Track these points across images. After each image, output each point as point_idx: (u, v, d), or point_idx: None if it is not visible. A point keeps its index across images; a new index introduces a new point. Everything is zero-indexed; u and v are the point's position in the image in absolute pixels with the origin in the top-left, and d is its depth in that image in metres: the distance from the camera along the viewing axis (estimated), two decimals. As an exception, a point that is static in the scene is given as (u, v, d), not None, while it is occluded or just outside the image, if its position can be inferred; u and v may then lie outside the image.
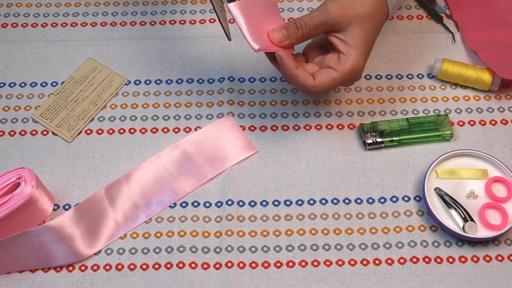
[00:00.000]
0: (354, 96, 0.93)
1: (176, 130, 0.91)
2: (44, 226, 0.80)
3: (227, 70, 0.95)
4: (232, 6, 0.80)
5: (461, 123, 0.91)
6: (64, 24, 0.99)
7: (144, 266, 0.82)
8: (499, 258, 0.83)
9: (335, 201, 0.86)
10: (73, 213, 0.83)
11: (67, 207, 0.85)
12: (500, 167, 0.86)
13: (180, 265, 0.82)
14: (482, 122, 0.91)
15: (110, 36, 0.98)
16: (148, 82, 0.94)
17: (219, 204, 0.86)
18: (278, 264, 0.82)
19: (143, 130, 0.91)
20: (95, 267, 0.82)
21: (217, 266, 0.82)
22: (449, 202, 0.84)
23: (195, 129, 0.90)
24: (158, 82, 0.94)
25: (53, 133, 0.90)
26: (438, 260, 0.82)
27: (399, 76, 0.95)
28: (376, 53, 0.96)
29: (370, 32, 0.81)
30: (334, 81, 0.80)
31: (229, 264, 0.82)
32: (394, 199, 0.86)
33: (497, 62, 0.92)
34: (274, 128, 0.91)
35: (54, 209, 0.85)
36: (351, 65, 0.80)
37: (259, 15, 0.81)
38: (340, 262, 0.82)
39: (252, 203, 0.86)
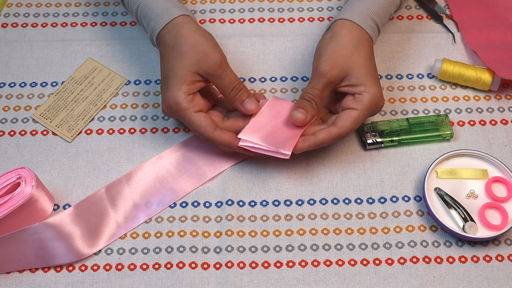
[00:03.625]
0: (354, 96, 0.93)
1: (176, 130, 0.91)
2: (43, 223, 0.80)
3: (227, 70, 0.95)
4: (243, 137, 0.83)
5: (461, 123, 0.91)
6: (64, 24, 0.99)
7: (144, 266, 0.82)
8: (499, 258, 0.83)
9: (335, 201, 0.86)
10: (73, 211, 0.83)
11: (67, 207, 0.85)
12: (500, 167, 0.86)
13: (180, 265, 0.82)
14: (482, 122, 0.91)
15: (110, 36, 0.98)
16: (148, 82, 0.94)
17: (219, 204, 0.86)
18: (278, 264, 0.82)
19: (143, 130, 0.91)
20: (95, 267, 0.82)
21: (217, 266, 0.82)
22: (449, 202, 0.84)
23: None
24: (158, 82, 0.94)
25: (53, 133, 0.90)
26: (438, 260, 0.82)
27: (399, 76, 0.95)
28: (376, 53, 0.96)
29: (368, 63, 0.84)
30: (357, 120, 0.82)
31: (229, 264, 0.82)
32: (394, 199, 0.86)
33: (497, 62, 0.92)
34: (274, 128, 0.91)
35: (54, 209, 0.85)
36: (368, 100, 0.82)
37: (270, 124, 0.85)
38: (340, 262, 0.82)
39: (252, 203, 0.86)
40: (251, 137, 0.83)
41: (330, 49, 0.83)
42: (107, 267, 0.82)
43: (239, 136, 0.83)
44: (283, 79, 0.94)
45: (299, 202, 0.86)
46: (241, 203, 0.86)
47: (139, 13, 0.88)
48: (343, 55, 0.83)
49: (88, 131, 0.91)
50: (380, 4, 0.87)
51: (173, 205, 0.85)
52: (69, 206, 0.85)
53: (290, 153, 0.82)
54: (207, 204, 0.86)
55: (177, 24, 0.85)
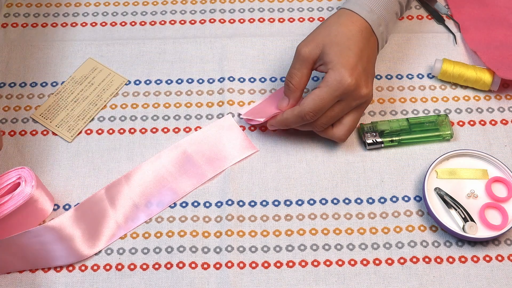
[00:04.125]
0: (354, 96, 0.93)
1: (176, 130, 0.91)
2: (44, 226, 0.80)
3: (227, 70, 0.95)
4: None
5: (461, 123, 0.91)
6: (64, 24, 0.99)
7: (144, 266, 0.82)
8: (499, 258, 0.83)
9: (335, 201, 0.86)
10: (73, 213, 0.83)
11: (67, 207, 0.85)
12: (500, 167, 0.86)
13: (180, 265, 0.82)
14: (482, 122, 0.91)
15: (110, 36, 0.98)
16: (148, 82, 0.94)
17: (219, 204, 0.86)
18: (278, 264, 0.82)
19: (143, 130, 0.91)
20: (95, 267, 0.82)
21: (217, 266, 0.82)
22: (449, 202, 0.84)
23: (195, 129, 0.90)
24: (158, 82, 0.94)
25: (53, 133, 0.90)
26: (438, 260, 0.82)
27: (399, 76, 0.95)
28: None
29: (347, 43, 0.82)
30: (319, 98, 0.81)
31: (229, 264, 0.82)
32: (394, 199, 0.86)
33: (497, 62, 0.92)
34: (274, 128, 0.91)
35: (54, 209, 0.85)
36: (332, 78, 0.81)
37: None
38: (340, 262, 0.82)
39: (252, 203, 0.86)
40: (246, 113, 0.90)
41: (314, 31, 0.85)
42: (107, 267, 0.82)
43: (242, 115, 0.89)
44: (283, 79, 0.94)
45: (299, 202, 0.86)
46: (241, 203, 0.86)
47: None
48: (321, 33, 0.84)
49: (88, 131, 0.91)
50: None
51: (173, 205, 0.85)
52: (69, 206, 0.85)
53: (260, 120, 0.87)
54: (207, 204, 0.86)
55: None
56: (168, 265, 0.82)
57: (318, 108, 0.81)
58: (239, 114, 0.90)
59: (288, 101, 0.86)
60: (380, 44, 0.87)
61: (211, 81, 0.94)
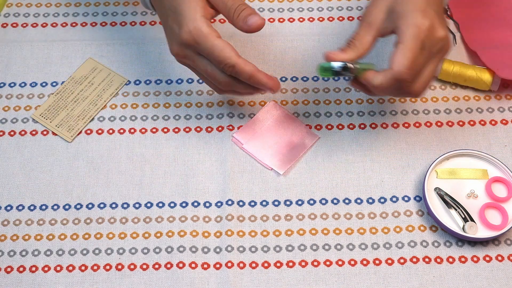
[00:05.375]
0: (354, 96, 0.93)
1: (176, 130, 0.91)
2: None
3: (227, 70, 0.95)
4: (236, 135, 0.88)
5: (461, 123, 0.91)
6: (64, 24, 0.99)
7: (144, 266, 0.82)
8: (499, 258, 0.83)
9: (335, 201, 0.86)
10: None
11: (67, 207, 0.85)
12: (500, 167, 0.86)
13: (180, 265, 0.82)
14: (482, 122, 0.91)
15: (110, 36, 0.98)
16: (148, 82, 0.94)
17: (219, 204, 0.86)
18: (278, 264, 0.82)
19: (143, 130, 0.91)
20: (95, 267, 0.82)
21: (217, 266, 0.82)
22: (449, 202, 0.84)
23: (196, 129, 0.90)
24: (158, 82, 0.94)
25: (53, 133, 0.90)
26: (438, 260, 0.82)
27: (399, 76, 0.95)
28: (376, 53, 0.96)
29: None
30: (408, 50, 0.72)
31: (229, 264, 0.82)
32: (394, 199, 0.86)
33: (497, 62, 0.92)
34: (274, 128, 0.91)
35: (54, 209, 0.85)
36: (410, 24, 0.73)
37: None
38: (340, 262, 0.82)
39: (252, 203, 0.86)
40: (245, 140, 0.88)
41: None
42: (107, 267, 0.82)
43: (235, 135, 0.88)
44: (283, 79, 0.94)
45: (299, 202, 0.86)
46: (241, 203, 0.86)
47: None
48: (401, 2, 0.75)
49: (88, 131, 0.91)
50: None
51: (173, 205, 0.85)
52: (69, 206, 0.85)
53: (282, 173, 0.86)
54: (207, 204, 0.86)
55: None
56: (168, 265, 0.82)
57: (413, 62, 0.73)
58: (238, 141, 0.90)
59: (345, 54, 0.76)
60: None
61: (211, 81, 0.94)
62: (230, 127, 0.91)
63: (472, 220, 0.83)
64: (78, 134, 0.90)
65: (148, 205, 0.86)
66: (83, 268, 0.82)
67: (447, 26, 0.76)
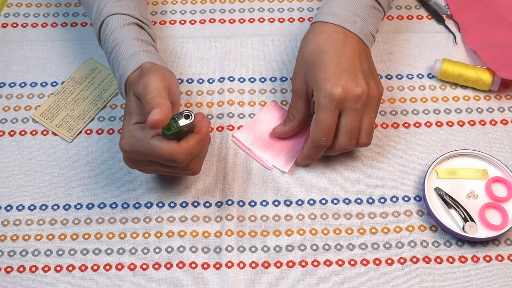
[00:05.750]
0: (354, 96, 0.93)
1: (176, 130, 0.91)
2: None
3: (227, 70, 0.95)
4: (238, 135, 0.89)
5: (461, 123, 0.91)
6: (64, 24, 0.99)
7: (144, 266, 0.82)
8: (499, 258, 0.83)
9: (335, 201, 0.86)
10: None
11: (67, 207, 0.85)
12: (500, 167, 0.86)
13: (180, 265, 0.82)
14: (482, 122, 0.91)
15: (110, 36, 0.98)
16: (148, 82, 0.94)
17: (219, 204, 0.86)
18: (278, 264, 0.82)
19: (143, 130, 0.90)
20: (95, 267, 0.82)
21: (217, 266, 0.82)
22: (449, 202, 0.84)
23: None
24: (158, 82, 0.94)
25: (53, 133, 0.90)
26: (438, 260, 0.82)
27: (399, 76, 0.95)
28: (376, 53, 0.96)
29: (320, 61, 0.81)
30: (319, 121, 0.81)
31: (229, 264, 0.82)
32: (394, 199, 0.86)
33: (497, 62, 0.92)
34: (274, 128, 0.91)
35: (54, 209, 0.85)
36: (321, 97, 0.80)
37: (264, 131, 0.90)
38: (340, 262, 0.82)
39: (252, 203, 0.86)
40: (246, 139, 0.88)
41: (297, 58, 0.86)
42: (107, 267, 0.82)
43: (235, 135, 0.88)
44: (283, 79, 0.94)
45: (299, 202, 0.86)
46: (241, 203, 0.86)
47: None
48: (299, 61, 0.84)
49: (88, 131, 0.91)
50: None
51: (173, 205, 0.85)
52: (69, 206, 0.85)
53: (287, 171, 0.87)
54: (207, 204, 0.86)
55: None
56: (168, 265, 0.82)
57: (325, 129, 0.81)
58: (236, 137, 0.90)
59: (283, 128, 0.87)
60: (365, 39, 0.85)
61: (211, 81, 0.94)
62: (230, 127, 0.91)
63: (472, 220, 0.82)
64: (78, 134, 0.90)
65: (148, 205, 0.86)
66: (83, 268, 0.82)
67: (365, 77, 0.82)
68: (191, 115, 0.75)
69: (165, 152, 0.74)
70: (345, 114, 0.81)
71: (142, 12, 0.87)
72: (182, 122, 0.75)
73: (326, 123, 0.81)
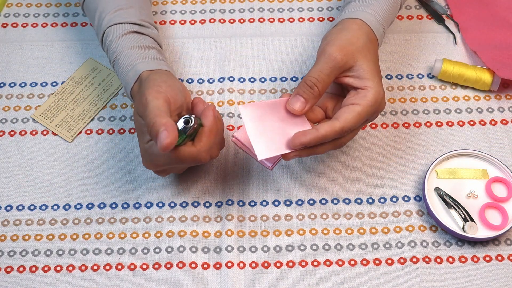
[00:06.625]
0: (354, 96, 0.93)
1: (176, 130, 0.91)
2: None
3: (227, 70, 0.95)
4: (243, 109, 0.79)
5: (461, 123, 0.91)
6: (64, 24, 0.99)
7: (144, 266, 0.82)
8: (499, 258, 0.83)
9: (335, 201, 0.86)
10: None
11: (67, 207, 0.85)
12: (500, 167, 0.86)
13: (180, 265, 0.82)
14: (482, 122, 0.91)
15: (110, 36, 0.98)
16: (148, 82, 0.94)
17: (219, 204, 0.86)
18: (278, 264, 0.82)
19: (143, 130, 0.91)
20: (95, 267, 0.82)
21: (217, 266, 0.82)
22: (449, 202, 0.84)
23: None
24: (158, 82, 0.94)
25: (53, 133, 0.90)
26: (438, 260, 0.82)
27: (399, 76, 0.95)
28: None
29: (374, 59, 0.80)
30: (359, 115, 0.76)
31: (229, 264, 0.82)
32: (394, 199, 0.86)
33: (497, 62, 0.92)
34: (274, 128, 0.91)
35: (54, 209, 0.85)
36: (373, 96, 0.77)
37: (269, 118, 0.80)
38: (340, 262, 0.82)
39: (252, 203, 0.86)
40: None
41: (340, 36, 0.79)
42: (107, 267, 0.82)
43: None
44: (283, 79, 0.94)
45: (299, 202, 0.86)
46: (241, 203, 0.86)
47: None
48: (354, 43, 0.78)
49: (88, 131, 0.91)
50: (387, 10, 0.84)
51: (173, 205, 0.85)
52: (69, 206, 0.85)
53: (260, 159, 0.79)
54: (207, 204, 0.86)
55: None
56: (168, 265, 0.82)
57: (357, 125, 0.77)
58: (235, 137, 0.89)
59: (305, 105, 0.78)
60: (378, 46, 0.84)
61: (211, 81, 0.94)
62: (230, 127, 0.91)
63: (472, 220, 0.83)
64: (78, 134, 0.90)
65: (148, 205, 0.86)
66: (83, 268, 0.82)
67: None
68: (190, 119, 0.75)
69: (185, 158, 0.76)
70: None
71: (144, 16, 0.88)
72: (185, 129, 0.75)
73: (362, 121, 0.77)
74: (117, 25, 0.85)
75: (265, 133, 0.79)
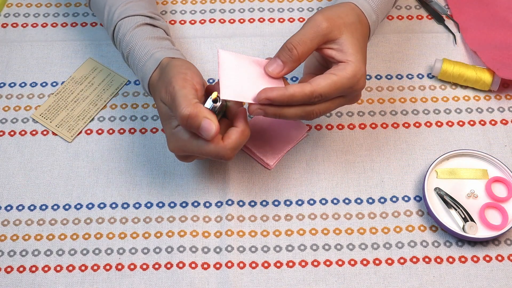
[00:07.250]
0: (354, 96, 0.93)
1: (176, 130, 0.91)
2: None
3: (227, 70, 0.95)
4: (222, 52, 0.79)
5: (461, 123, 0.91)
6: (64, 24, 0.99)
7: (144, 266, 0.82)
8: (499, 258, 0.83)
9: (335, 201, 0.86)
10: None
11: (67, 207, 0.85)
12: (500, 167, 0.86)
13: (180, 265, 0.82)
14: (482, 122, 0.91)
15: (110, 36, 0.98)
16: (148, 82, 0.94)
17: (219, 204, 0.86)
18: (278, 264, 0.82)
19: (143, 130, 0.91)
20: (95, 267, 0.82)
21: (217, 266, 0.82)
22: (449, 202, 0.84)
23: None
24: (158, 82, 0.94)
25: (53, 133, 0.90)
26: (438, 260, 0.82)
27: (399, 76, 0.95)
28: (376, 53, 0.96)
29: (362, 40, 0.79)
30: (334, 84, 0.75)
31: (229, 264, 0.82)
32: (394, 199, 0.86)
33: (497, 62, 0.92)
34: (274, 128, 0.91)
35: (54, 209, 0.85)
36: (352, 70, 0.76)
37: (246, 70, 0.79)
38: (340, 262, 0.82)
39: (252, 203, 0.86)
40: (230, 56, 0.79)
41: (330, 8, 0.79)
42: (107, 267, 0.82)
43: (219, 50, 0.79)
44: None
45: (299, 202, 0.86)
46: (241, 203, 0.86)
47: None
48: (342, 18, 0.78)
49: (88, 131, 0.91)
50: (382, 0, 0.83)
51: (173, 205, 0.85)
52: (69, 206, 0.85)
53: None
54: (207, 204, 0.86)
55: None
56: (168, 265, 0.82)
57: (330, 94, 0.75)
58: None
59: (282, 68, 0.77)
60: (370, 33, 0.83)
61: (211, 81, 0.94)
62: (230, 127, 0.91)
63: (472, 220, 0.83)
64: (78, 134, 0.90)
65: (148, 205, 0.86)
66: (83, 268, 0.82)
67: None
68: (218, 98, 0.76)
69: (212, 151, 0.76)
70: (342, 96, 0.78)
71: (153, 8, 0.88)
72: (214, 108, 0.76)
73: (336, 91, 0.76)
74: (129, 17, 0.85)
75: (236, 79, 0.77)
